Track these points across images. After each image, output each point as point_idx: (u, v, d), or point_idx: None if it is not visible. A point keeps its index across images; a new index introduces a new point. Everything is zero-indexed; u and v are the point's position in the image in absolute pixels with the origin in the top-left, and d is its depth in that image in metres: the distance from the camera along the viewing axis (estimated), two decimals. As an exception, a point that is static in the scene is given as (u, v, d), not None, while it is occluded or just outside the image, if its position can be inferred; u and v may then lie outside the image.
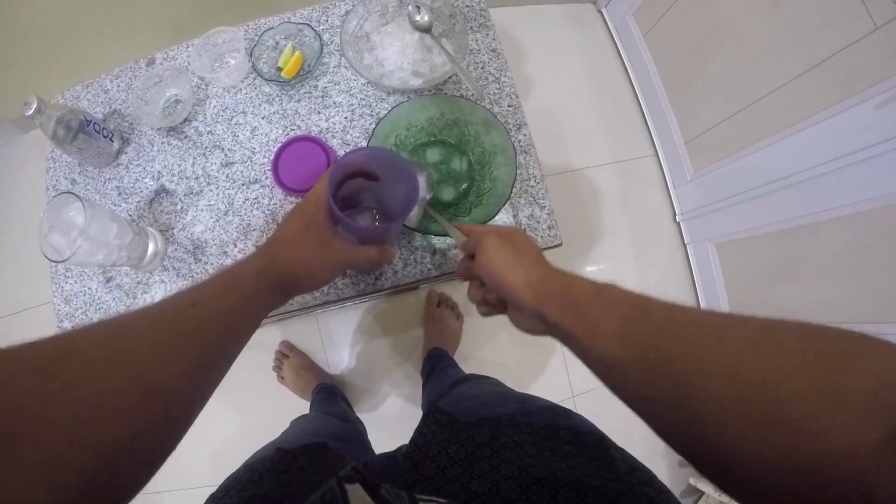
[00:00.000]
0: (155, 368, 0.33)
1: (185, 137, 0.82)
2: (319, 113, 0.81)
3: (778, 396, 0.25)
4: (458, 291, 1.64)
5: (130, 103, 0.81)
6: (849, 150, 1.09)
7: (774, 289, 1.42)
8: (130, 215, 0.79)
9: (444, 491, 0.44)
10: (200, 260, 0.76)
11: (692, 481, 1.54)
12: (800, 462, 0.23)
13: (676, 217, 1.78)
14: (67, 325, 0.77)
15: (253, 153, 0.80)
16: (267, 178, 0.78)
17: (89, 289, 0.78)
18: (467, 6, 0.86)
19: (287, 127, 0.81)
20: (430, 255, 0.74)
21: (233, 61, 0.83)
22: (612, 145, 1.86)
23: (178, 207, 0.79)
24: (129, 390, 0.31)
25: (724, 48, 1.40)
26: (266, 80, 0.81)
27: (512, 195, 0.74)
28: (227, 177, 0.79)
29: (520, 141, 0.79)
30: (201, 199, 0.79)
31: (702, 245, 1.70)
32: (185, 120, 0.82)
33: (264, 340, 1.60)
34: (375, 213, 0.66)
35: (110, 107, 0.85)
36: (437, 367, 1.33)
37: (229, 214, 0.78)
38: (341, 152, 0.78)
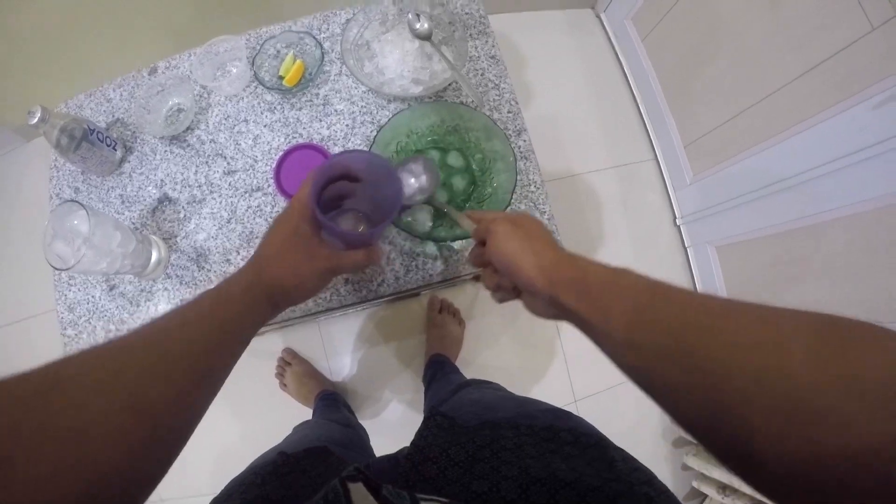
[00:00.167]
0: (144, 391, 0.33)
1: (188, 146, 0.82)
2: (321, 121, 0.82)
3: (799, 387, 0.25)
4: (460, 297, 1.64)
5: (133, 112, 0.81)
6: (846, 151, 1.10)
7: (775, 290, 1.42)
8: (133, 223, 0.80)
9: (445, 491, 0.44)
10: (204, 268, 0.77)
11: (695, 484, 1.54)
12: (822, 454, 0.23)
13: (676, 220, 1.78)
14: (71, 333, 0.77)
15: (255, 161, 0.80)
16: (269, 186, 0.79)
17: (93, 297, 0.78)
18: (466, 13, 0.87)
19: (289, 135, 0.81)
20: (432, 262, 0.75)
21: (234, 70, 0.84)
22: (612, 150, 1.87)
23: (181, 215, 0.79)
24: (118, 414, 0.31)
25: (723, 51, 1.41)
26: (268, 88, 0.81)
27: (512, 201, 0.75)
28: (229, 185, 0.80)
29: (520, 147, 0.79)
30: (204, 207, 0.79)
31: (702, 248, 1.70)
32: (188, 128, 0.83)
33: (266, 348, 1.61)
34: (360, 215, 0.65)
35: (113, 115, 0.86)
36: (439, 374, 1.33)
37: (232, 222, 0.78)
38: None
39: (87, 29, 1.46)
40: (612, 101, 1.91)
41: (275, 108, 0.83)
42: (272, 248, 0.49)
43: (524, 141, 0.80)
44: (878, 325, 0.26)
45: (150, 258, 0.73)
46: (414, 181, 0.66)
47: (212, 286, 0.47)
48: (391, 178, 0.53)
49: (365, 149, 0.78)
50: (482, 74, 0.84)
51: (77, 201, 0.62)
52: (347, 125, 0.81)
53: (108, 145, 0.79)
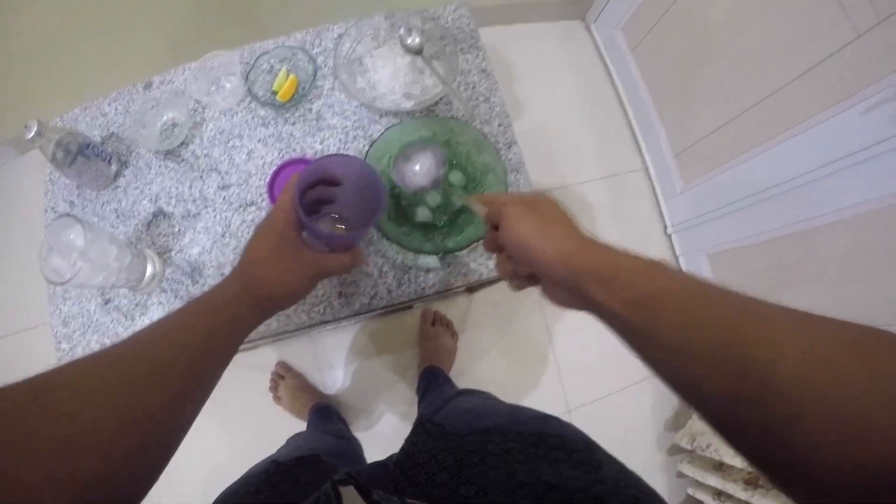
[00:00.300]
0: (130, 401, 0.34)
1: (182, 160, 0.83)
2: (314, 135, 0.83)
3: (856, 401, 0.24)
4: (453, 310, 1.65)
5: (128, 126, 0.82)
6: (837, 156, 1.11)
7: (769, 297, 1.43)
8: (128, 237, 0.80)
9: (433, 495, 0.44)
10: (198, 282, 0.77)
11: (690, 491, 1.54)
12: (875, 470, 0.23)
13: (667, 229, 1.80)
14: (65, 347, 0.77)
15: (249, 176, 0.81)
16: (263, 200, 0.80)
17: (87, 310, 0.78)
18: (457, 28, 0.89)
19: (282, 150, 0.82)
20: (424, 274, 0.75)
21: (229, 85, 0.85)
22: (603, 160, 1.88)
23: (176, 230, 0.80)
24: (105, 424, 0.31)
25: (712, 60, 1.43)
26: (261, 103, 0.82)
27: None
28: (223, 199, 0.80)
29: (510, 159, 0.81)
30: (198, 221, 0.80)
31: (693, 256, 1.72)
32: (182, 143, 0.83)
33: (260, 362, 1.60)
34: (338, 218, 0.65)
35: (108, 130, 0.87)
36: (433, 385, 1.33)
37: (226, 237, 0.79)
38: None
39: (81, 43, 1.47)
40: (603, 111, 1.93)
41: (268, 122, 0.84)
42: (258, 255, 0.50)
43: (514, 154, 0.81)
44: None
45: (144, 272, 0.74)
46: (418, 168, 0.65)
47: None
48: (371, 178, 0.54)
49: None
50: (473, 88, 0.85)
51: (73, 215, 0.62)
52: (340, 140, 0.82)
53: (104, 159, 0.79)
